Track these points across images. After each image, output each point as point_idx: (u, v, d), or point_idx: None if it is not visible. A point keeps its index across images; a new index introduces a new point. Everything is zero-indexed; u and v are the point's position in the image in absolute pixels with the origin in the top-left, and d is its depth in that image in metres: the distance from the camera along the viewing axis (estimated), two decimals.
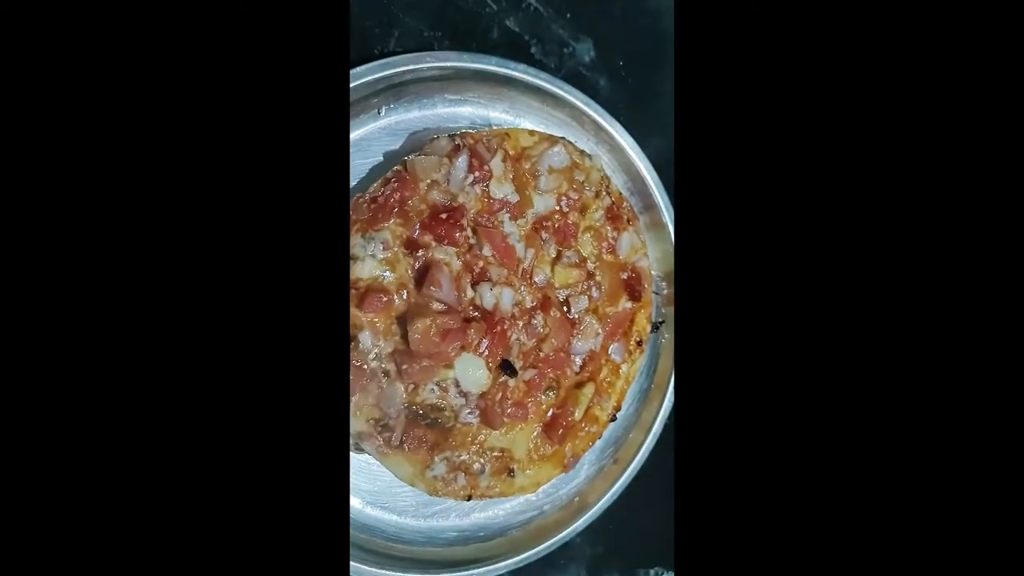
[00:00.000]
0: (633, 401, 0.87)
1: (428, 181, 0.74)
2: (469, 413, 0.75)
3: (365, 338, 0.71)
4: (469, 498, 0.76)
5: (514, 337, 0.76)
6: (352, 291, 0.72)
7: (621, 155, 0.83)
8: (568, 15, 0.85)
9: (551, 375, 0.79)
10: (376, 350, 0.72)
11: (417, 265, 0.73)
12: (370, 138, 0.79)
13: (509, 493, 0.78)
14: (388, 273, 0.73)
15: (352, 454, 0.76)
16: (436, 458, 0.74)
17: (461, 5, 0.82)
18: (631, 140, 0.82)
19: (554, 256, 0.79)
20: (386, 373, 0.72)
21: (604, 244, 0.81)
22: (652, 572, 0.90)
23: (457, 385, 0.74)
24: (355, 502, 0.79)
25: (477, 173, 0.75)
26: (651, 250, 0.85)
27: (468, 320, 0.74)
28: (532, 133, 0.80)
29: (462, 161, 0.74)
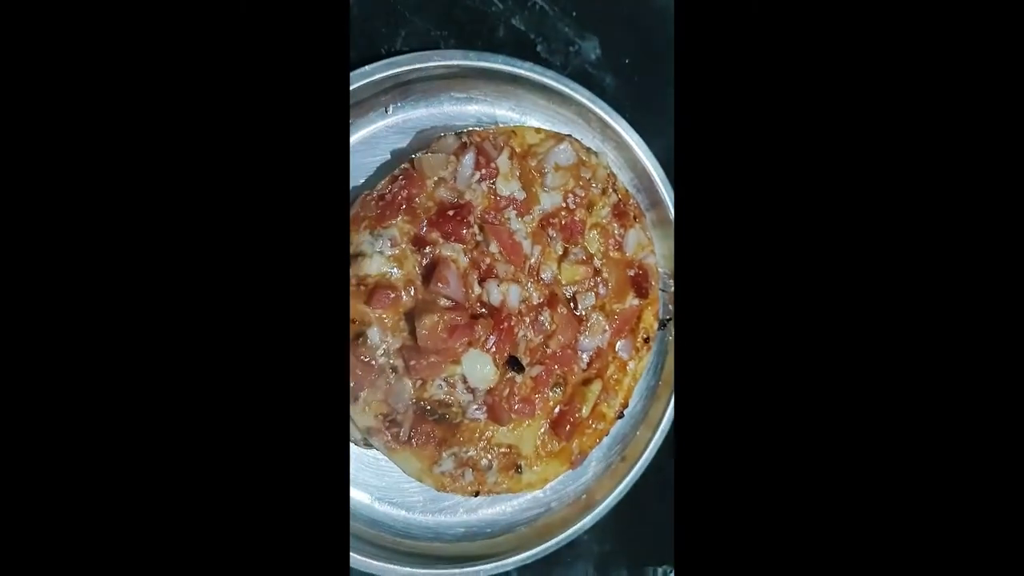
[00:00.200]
0: (641, 398, 0.87)
1: (435, 178, 0.74)
2: (476, 409, 0.75)
3: (373, 334, 0.72)
4: (476, 494, 0.77)
5: (521, 333, 0.77)
6: (360, 287, 0.72)
7: (627, 152, 0.83)
8: (574, 13, 0.86)
9: (558, 372, 0.79)
10: (384, 346, 0.72)
11: (424, 262, 0.74)
12: (378, 136, 0.80)
13: (516, 490, 0.79)
14: (396, 270, 0.73)
15: (361, 450, 0.77)
16: (444, 454, 0.75)
17: (467, 4, 0.83)
18: (637, 137, 0.83)
19: (561, 253, 0.79)
20: (394, 369, 0.73)
21: (611, 241, 0.82)
22: (660, 570, 0.90)
23: (465, 381, 0.74)
24: (364, 498, 0.79)
25: (484, 170, 0.75)
26: (658, 247, 0.85)
27: (475, 316, 0.75)
28: (538, 131, 0.80)
29: (469, 159, 0.74)
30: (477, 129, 0.78)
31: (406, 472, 0.75)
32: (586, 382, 0.81)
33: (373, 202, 0.73)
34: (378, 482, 0.80)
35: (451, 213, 0.74)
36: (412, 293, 0.73)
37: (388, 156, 0.80)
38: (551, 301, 0.78)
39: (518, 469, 0.78)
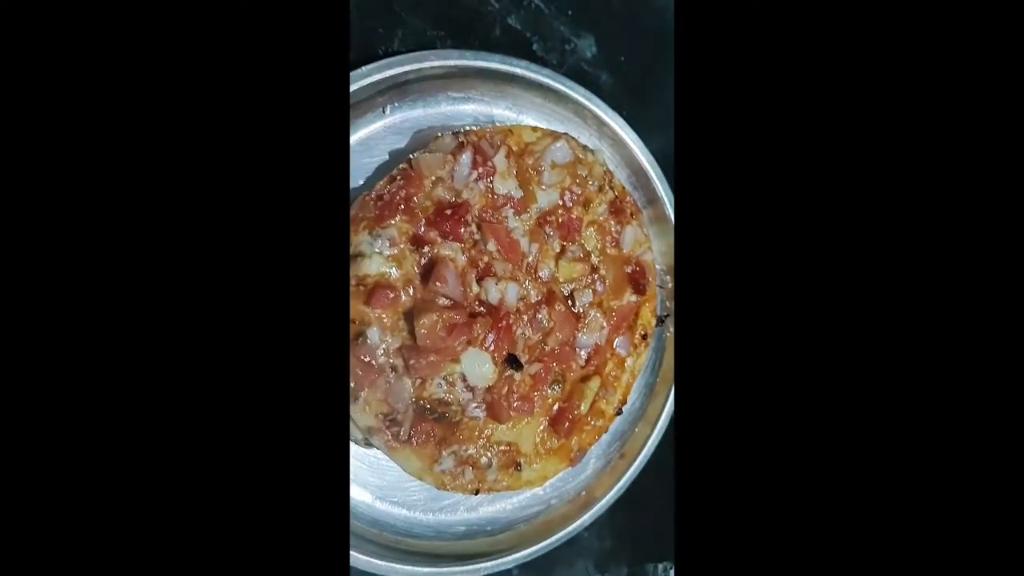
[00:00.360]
0: (639, 395, 0.88)
1: (433, 178, 0.74)
2: (476, 407, 0.75)
3: (373, 334, 0.72)
4: (477, 492, 0.77)
5: (519, 331, 0.77)
6: (360, 288, 0.72)
7: (624, 150, 0.84)
8: (569, 12, 0.86)
9: (556, 369, 0.79)
10: (384, 346, 0.73)
11: (423, 261, 0.74)
12: (375, 136, 0.80)
13: (516, 487, 0.79)
14: (394, 270, 0.73)
15: (361, 449, 0.77)
16: (444, 452, 0.75)
17: (463, 4, 0.83)
18: (633, 135, 0.83)
19: (558, 251, 0.80)
20: (394, 368, 0.73)
21: (608, 238, 0.82)
22: (660, 567, 0.90)
23: (464, 379, 0.75)
24: (365, 496, 0.80)
25: (481, 169, 0.75)
26: (655, 244, 0.85)
27: (474, 315, 0.75)
28: (535, 129, 0.80)
29: (466, 158, 0.74)
30: (474, 128, 0.78)
31: (407, 471, 0.75)
32: (584, 379, 0.81)
33: (371, 202, 0.74)
34: (379, 481, 0.80)
35: (449, 212, 0.74)
36: (411, 292, 0.74)
37: (386, 157, 0.80)
38: (549, 299, 0.78)
39: (518, 467, 0.78)
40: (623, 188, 0.84)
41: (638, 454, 0.85)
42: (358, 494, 0.80)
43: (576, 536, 0.82)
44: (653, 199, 0.85)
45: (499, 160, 0.76)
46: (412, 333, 0.72)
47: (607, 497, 0.83)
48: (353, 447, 0.77)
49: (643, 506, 0.86)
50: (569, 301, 0.80)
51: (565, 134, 0.81)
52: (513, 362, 0.76)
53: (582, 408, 0.80)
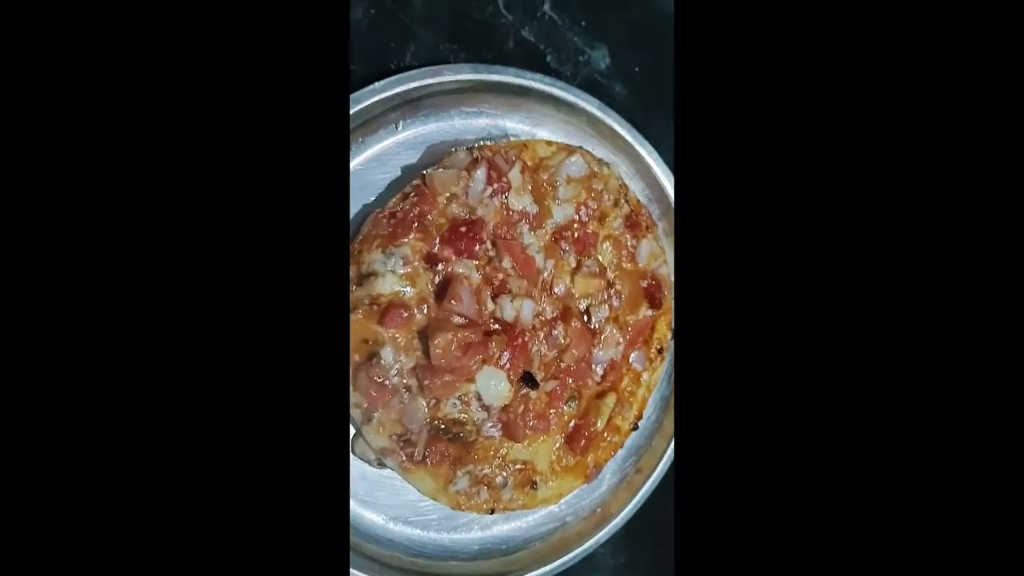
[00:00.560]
0: (655, 409, 0.87)
1: (447, 195, 0.74)
2: (491, 427, 0.74)
3: (387, 354, 0.71)
4: (492, 511, 0.76)
5: (535, 349, 0.76)
6: (373, 307, 0.72)
7: (638, 161, 0.83)
8: (583, 23, 0.85)
9: (572, 386, 0.78)
10: (398, 366, 0.72)
11: (437, 279, 0.73)
12: (388, 152, 0.79)
13: (532, 505, 0.78)
14: (408, 288, 0.72)
15: (374, 469, 0.76)
16: (459, 472, 0.74)
17: (476, 17, 0.82)
18: (648, 146, 0.82)
19: (574, 266, 0.79)
20: (408, 388, 0.72)
21: (624, 252, 0.81)
22: None
23: (479, 399, 0.74)
24: (377, 518, 0.79)
25: (496, 185, 0.74)
26: (670, 256, 0.84)
27: (489, 333, 0.74)
28: (550, 143, 0.79)
29: (481, 174, 0.74)
30: (488, 143, 0.77)
31: (421, 491, 0.75)
32: (600, 395, 0.80)
33: (384, 220, 0.73)
34: (392, 502, 0.79)
35: (463, 230, 0.73)
36: (425, 311, 0.73)
37: (399, 172, 0.79)
38: (564, 315, 0.77)
39: (533, 485, 0.77)
40: (638, 201, 0.83)
41: (654, 468, 0.84)
42: (370, 516, 0.79)
43: (593, 553, 0.82)
44: (668, 211, 0.84)
45: (514, 175, 0.75)
46: (426, 352, 0.72)
47: (623, 513, 0.82)
48: (365, 468, 0.76)
49: (659, 521, 0.85)
50: (585, 317, 0.79)
51: (580, 148, 0.80)
52: (529, 380, 0.75)
53: (598, 425, 0.79)
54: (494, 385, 0.74)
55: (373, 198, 0.78)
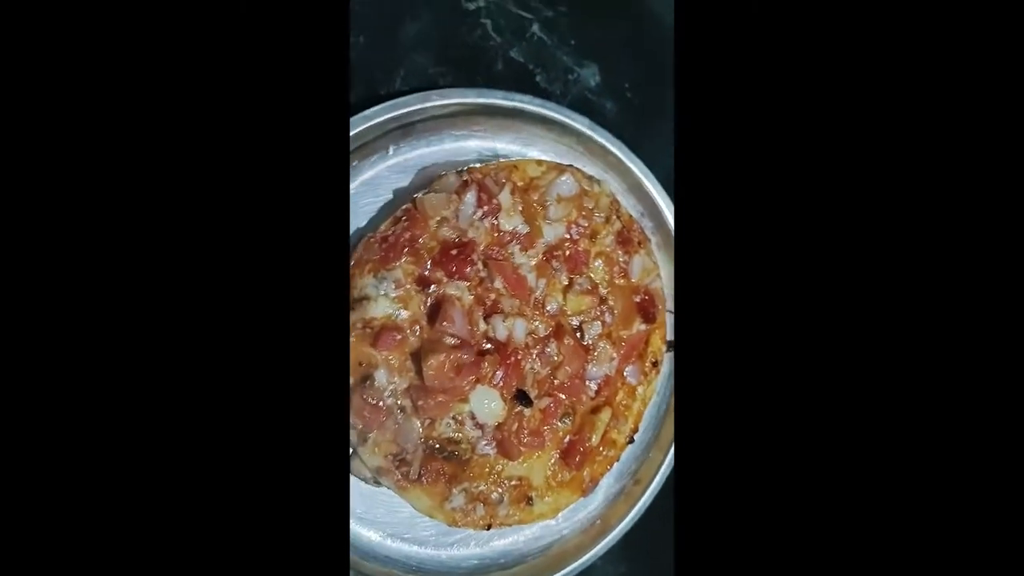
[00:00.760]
0: (652, 420, 0.87)
1: (438, 218, 0.75)
2: (486, 445, 0.76)
3: (380, 376, 0.73)
4: (489, 527, 0.77)
5: (528, 367, 0.77)
6: (367, 330, 0.73)
7: (630, 177, 0.83)
8: (572, 42, 0.86)
9: (567, 402, 0.79)
10: (392, 387, 0.73)
11: (429, 301, 0.74)
12: (380, 177, 0.80)
13: (528, 521, 0.79)
14: (401, 311, 0.74)
15: (370, 487, 0.78)
16: (454, 490, 0.75)
17: (464, 40, 0.83)
18: (639, 162, 0.82)
19: (566, 284, 0.79)
20: (402, 409, 0.74)
21: (616, 268, 0.81)
22: None
23: (473, 418, 0.75)
24: (374, 535, 0.80)
25: (486, 207, 0.75)
26: (664, 270, 0.85)
27: (482, 353, 0.75)
28: (540, 163, 0.80)
29: (471, 197, 0.75)
30: (478, 166, 0.78)
31: (417, 509, 0.76)
32: (595, 410, 0.81)
33: (376, 244, 0.74)
34: (389, 519, 0.80)
35: (454, 252, 0.74)
36: (418, 333, 0.74)
37: (391, 196, 0.81)
38: (557, 332, 0.78)
39: (529, 501, 0.78)
40: (630, 217, 0.83)
41: (652, 479, 0.84)
42: (367, 533, 0.80)
43: (592, 565, 0.82)
44: (661, 224, 0.85)
45: (504, 197, 0.76)
46: (420, 373, 0.73)
47: (621, 525, 0.83)
48: (361, 486, 0.77)
49: (658, 531, 0.86)
50: (578, 334, 0.80)
51: (570, 166, 0.81)
52: (523, 398, 0.76)
53: (593, 439, 0.80)
54: (488, 404, 0.75)
55: (365, 222, 0.80)
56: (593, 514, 0.85)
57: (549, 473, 0.79)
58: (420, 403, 0.73)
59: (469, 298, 0.75)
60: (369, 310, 0.73)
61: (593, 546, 0.82)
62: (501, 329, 0.76)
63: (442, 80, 0.82)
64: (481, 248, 0.76)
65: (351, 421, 0.73)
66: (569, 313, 0.79)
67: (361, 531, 0.80)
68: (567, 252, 0.79)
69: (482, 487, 0.76)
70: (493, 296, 0.76)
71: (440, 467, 0.74)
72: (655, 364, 0.84)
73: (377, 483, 0.76)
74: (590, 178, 0.81)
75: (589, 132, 0.81)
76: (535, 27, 0.85)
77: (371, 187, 0.80)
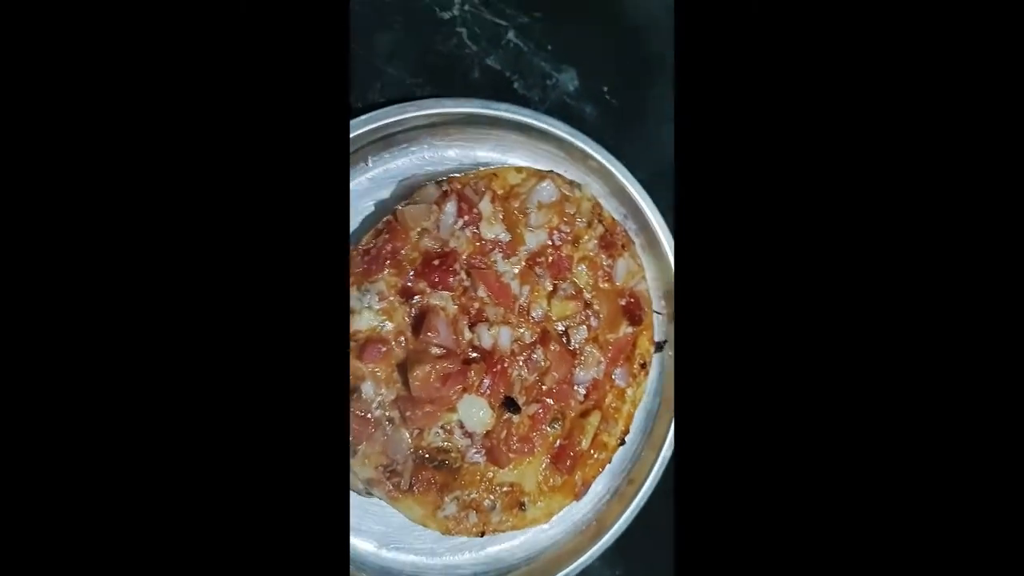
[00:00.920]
0: (643, 421, 0.87)
1: (418, 229, 0.75)
2: (475, 453, 0.76)
3: (367, 388, 0.73)
4: (483, 534, 0.78)
5: (515, 374, 0.77)
6: (352, 343, 0.73)
7: (612, 180, 0.84)
8: (549, 47, 0.86)
9: (555, 407, 0.79)
10: (379, 399, 0.74)
11: (413, 312, 0.75)
12: (359, 189, 0.81)
13: (521, 526, 0.79)
14: (386, 323, 0.74)
15: (362, 498, 0.78)
16: (446, 498, 0.76)
17: (440, 50, 0.83)
18: (619, 165, 0.82)
19: (550, 290, 0.80)
20: (390, 420, 0.74)
21: (600, 272, 0.82)
22: None
23: (462, 427, 0.75)
24: (369, 545, 0.80)
25: (467, 217, 0.76)
26: (649, 271, 0.85)
27: (468, 362, 0.75)
28: (519, 170, 0.80)
29: (451, 207, 0.75)
30: (457, 176, 0.78)
31: (410, 519, 0.76)
32: (584, 414, 0.81)
33: (359, 257, 0.74)
34: (383, 528, 0.80)
35: (436, 262, 0.75)
36: (403, 344, 0.74)
37: (372, 207, 0.81)
38: (543, 338, 0.79)
39: (522, 506, 0.79)
40: (613, 220, 0.83)
41: (645, 479, 0.85)
42: (362, 543, 0.80)
43: (588, 567, 0.82)
44: (644, 226, 0.85)
45: (484, 206, 0.77)
46: (407, 385, 0.73)
47: (616, 525, 0.83)
48: (354, 496, 0.78)
49: (654, 530, 0.86)
50: (564, 339, 0.80)
51: (550, 172, 0.81)
52: (511, 405, 0.77)
53: (583, 443, 0.80)
54: (476, 412, 0.75)
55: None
56: (589, 516, 0.86)
57: (541, 478, 0.80)
58: (408, 414, 0.73)
59: (453, 308, 0.76)
60: (353, 323, 0.73)
61: (589, 548, 0.82)
62: (486, 337, 0.76)
63: (419, 90, 0.82)
64: (463, 257, 0.76)
65: None
66: (554, 319, 0.80)
67: (355, 541, 0.80)
68: (550, 258, 0.80)
69: (474, 495, 0.77)
70: (477, 305, 0.76)
71: (431, 476, 0.75)
72: (643, 366, 0.84)
73: (369, 494, 0.76)
74: (571, 183, 0.82)
75: (569, 137, 0.81)
76: (511, 34, 0.85)
77: (352, 200, 0.80)
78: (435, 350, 0.74)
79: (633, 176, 0.83)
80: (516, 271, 0.78)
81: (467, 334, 0.76)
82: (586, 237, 0.81)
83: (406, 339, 0.74)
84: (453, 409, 0.75)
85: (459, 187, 0.76)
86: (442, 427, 0.75)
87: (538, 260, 0.79)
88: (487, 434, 0.76)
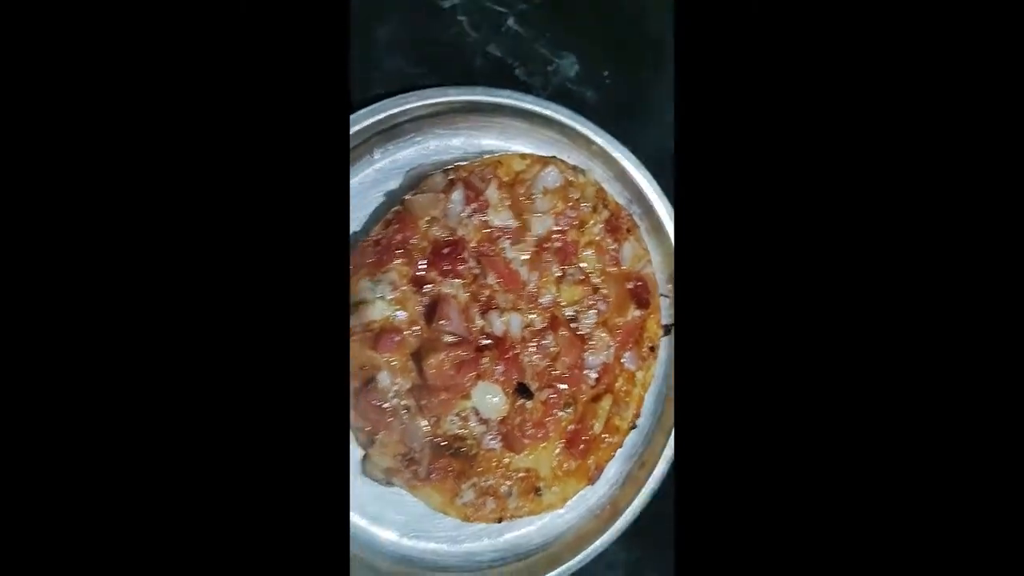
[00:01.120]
0: (653, 404, 0.88)
1: (427, 218, 0.75)
2: (491, 439, 0.76)
3: (383, 378, 0.73)
4: (500, 520, 0.78)
5: (527, 360, 0.78)
6: (367, 333, 0.74)
7: (615, 165, 0.84)
8: (548, 34, 0.86)
9: (567, 392, 0.80)
10: (395, 388, 0.74)
11: (425, 301, 0.75)
12: (368, 180, 0.81)
13: (538, 511, 0.80)
14: (399, 312, 0.74)
15: (383, 488, 0.78)
16: (463, 486, 0.76)
17: (441, 39, 0.83)
18: (623, 149, 0.83)
19: (558, 275, 0.80)
20: (407, 409, 0.74)
21: (607, 257, 0.82)
22: None
23: (477, 413, 0.76)
24: (391, 534, 0.81)
25: (474, 204, 0.76)
26: (655, 254, 0.85)
27: (480, 349, 0.76)
28: (524, 157, 0.81)
29: (458, 195, 0.75)
30: (463, 164, 0.79)
31: (430, 506, 0.77)
32: (596, 398, 0.82)
33: (370, 248, 0.75)
34: (403, 517, 0.81)
35: (446, 251, 0.75)
36: (417, 333, 0.75)
37: (382, 199, 0.81)
38: (553, 324, 0.79)
39: (537, 491, 0.79)
40: (617, 204, 0.84)
41: (657, 462, 0.85)
42: (383, 532, 0.81)
43: (605, 551, 0.83)
44: (648, 209, 0.85)
45: (491, 193, 0.77)
46: (422, 373, 0.73)
47: (631, 508, 0.83)
48: (375, 486, 0.78)
49: (668, 513, 0.86)
50: (573, 324, 0.80)
51: (554, 158, 0.81)
52: (523, 391, 0.77)
53: (596, 427, 0.81)
54: (490, 399, 0.75)
55: (358, 227, 0.80)
56: (603, 499, 0.86)
57: (555, 463, 0.80)
58: (424, 402, 0.73)
59: (464, 295, 0.76)
60: (367, 313, 0.73)
61: (605, 530, 0.83)
62: (498, 324, 0.76)
63: (422, 80, 0.82)
64: (472, 245, 0.76)
65: (359, 424, 0.74)
66: (563, 304, 0.80)
67: (377, 531, 0.80)
68: (557, 244, 0.80)
69: (491, 481, 0.77)
70: (487, 292, 0.77)
71: (448, 464, 0.75)
72: (652, 349, 0.85)
73: (389, 483, 0.76)
74: (574, 168, 0.82)
75: (571, 122, 0.81)
76: (511, 21, 0.85)
77: (361, 191, 0.80)
78: (448, 338, 0.74)
79: (636, 160, 0.83)
80: (524, 257, 0.78)
81: (478, 321, 0.76)
82: (592, 222, 0.82)
83: (419, 328, 0.75)
84: (468, 396, 0.75)
85: (465, 175, 0.76)
86: (457, 414, 0.75)
87: (545, 246, 0.79)
88: (502, 420, 0.76)
